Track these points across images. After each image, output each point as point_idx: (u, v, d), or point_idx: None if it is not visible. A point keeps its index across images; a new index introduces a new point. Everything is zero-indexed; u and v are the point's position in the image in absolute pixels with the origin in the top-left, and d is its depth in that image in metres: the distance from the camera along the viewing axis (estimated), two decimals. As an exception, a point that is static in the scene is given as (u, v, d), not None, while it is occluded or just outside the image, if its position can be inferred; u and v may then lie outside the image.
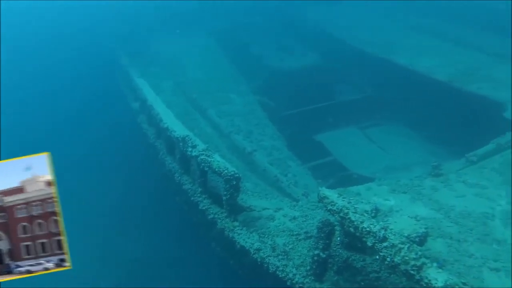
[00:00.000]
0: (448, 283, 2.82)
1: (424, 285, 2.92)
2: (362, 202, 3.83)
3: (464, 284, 2.83)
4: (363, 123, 10.54)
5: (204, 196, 5.28)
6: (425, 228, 3.62)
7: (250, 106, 8.86)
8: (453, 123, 8.85)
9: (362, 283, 3.81)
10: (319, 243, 3.81)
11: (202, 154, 4.97)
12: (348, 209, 3.45)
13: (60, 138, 11.43)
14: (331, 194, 3.67)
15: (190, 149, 5.20)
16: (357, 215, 3.39)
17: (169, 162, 6.35)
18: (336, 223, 3.68)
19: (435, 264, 3.00)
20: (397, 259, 3.06)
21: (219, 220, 4.89)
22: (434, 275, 2.91)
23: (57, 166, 10.35)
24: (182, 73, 10.00)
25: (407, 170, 8.42)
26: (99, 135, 11.42)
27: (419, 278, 2.95)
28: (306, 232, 4.56)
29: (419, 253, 3.05)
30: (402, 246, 3.08)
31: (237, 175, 4.59)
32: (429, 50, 10.19)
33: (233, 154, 7.25)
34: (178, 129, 5.84)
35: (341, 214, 3.49)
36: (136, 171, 9.95)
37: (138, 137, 8.21)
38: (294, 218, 4.88)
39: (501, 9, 10.43)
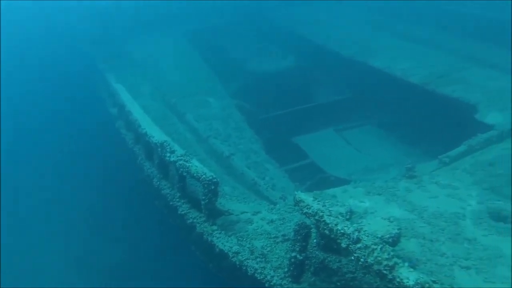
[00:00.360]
0: (419, 281, 2.93)
1: (397, 284, 3.03)
2: (337, 204, 3.93)
3: (434, 282, 2.94)
4: (339, 125, 10.68)
5: (183, 200, 5.32)
6: (398, 229, 3.75)
7: (228, 109, 8.91)
8: (428, 125, 9.03)
9: (338, 283, 3.90)
10: (296, 246, 3.89)
11: (181, 160, 5.02)
12: (323, 212, 3.55)
13: (38, 143, 11.38)
14: (307, 198, 3.77)
15: (168, 154, 5.25)
16: (332, 218, 3.49)
17: (147, 167, 6.38)
18: (312, 225, 3.77)
19: (406, 264, 3.11)
20: (370, 260, 3.16)
21: (198, 224, 4.94)
22: (406, 274, 3.02)
23: (36, 171, 10.37)
24: (159, 76, 10.00)
25: (383, 171, 8.58)
26: (78, 139, 11.38)
27: (391, 277, 3.06)
28: (283, 235, 4.64)
29: (391, 253, 3.15)
30: (375, 247, 3.18)
31: (215, 179, 4.65)
32: (404, 53, 10.35)
33: (211, 158, 7.31)
34: (156, 134, 5.88)
35: (317, 217, 3.59)
36: (116, 176, 9.93)
37: (117, 142, 8.21)
38: (272, 221, 4.97)
39: (473, 13, 10.68)
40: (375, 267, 3.14)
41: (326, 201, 3.90)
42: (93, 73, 10.31)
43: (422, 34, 11.18)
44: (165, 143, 5.38)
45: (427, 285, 2.91)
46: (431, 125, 8.89)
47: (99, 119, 9.89)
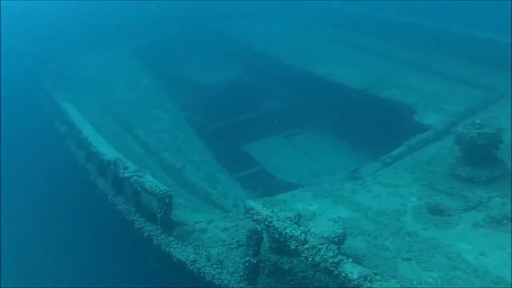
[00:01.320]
0: (361, 274, 3.21)
1: (342, 278, 3.29)
2: (285, 209, 4.15)
3: (375, 274, 3.23)
4: (287, 131, 11.00)
5: (138, 214, 5.44)
6: (343, 229, 4.04)
7: (177, 122, 9.05)
8: (371, 128, 9.43)
9: (291, 283, 4.13)
10: (250, 250, 4.09)
11: (134, 176, 5.15)
12: (272, 218, 3.79)
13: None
14: (256, 205, 4.00)
15: (122, 171, 5.35)
16: (280, 222, 3.73)
17: (101, 184, 6.44)
18: (263, 231, 4.00)
19: (350, 260, 3.38)
20: (317, 258, 3.41)
21: (154, 237, 5.08)
22: (350, 269, 3.29)
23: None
24: (107, 92, 9.98)
25: (330, 175, 8.92)
26: (26, 159, 11.19)
27: (337, 273, 3.31)
28: (237, 241, 4.83)
29: (336, 251, 3.41)
30: (321, 246, 3.43)
31: (169, 193, 4.79)
32: (345, 59, 10.77)
33: (163, 171, 7.43)
34: (108, 152, 5.96)
35: (266, 223, 3.82)
36: (69, 194, 9.86)
37: (68, 160, 8.17)
38: (226, 228, 5.15)
39: (403, 21, 11.20)
40: (322, 264, 3.38)
41: (275, 207, 4.15)
42: (38, 91, 10.17)
43: (358, 42, 11.62)
44: (118, 160, 5.48)
45: (369, 277, 3.19)
46: (375, 127, 9.28)
47: (47, 138, 9.79)
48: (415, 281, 3.05)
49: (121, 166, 5.39)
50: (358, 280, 3.19)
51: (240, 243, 4.77)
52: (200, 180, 7.05)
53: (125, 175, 5.26)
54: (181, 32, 14.02)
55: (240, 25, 14.04)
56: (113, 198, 5.92)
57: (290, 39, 12.69)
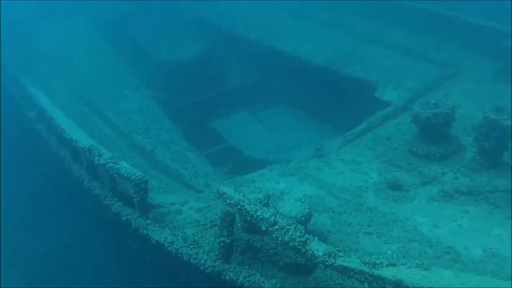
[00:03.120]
0: (326, 251, 3.55)
1: (309, 255, 3.64)
2: (255, 191, 4.44)
3: (338, 251, 3.58)
4: (253, 107, 11.27)
5: (115, 199, 5.62)
6: (309, 208, 4.37)
7: (145, 101, 9.20)
8: (335, 103, 9.75)
9: (263, 259, 4.46)
10: (224, 231, 4.38)
11: (109, 162, 5.33)
12: (244, 201, 4.09)
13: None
14: (228, 190, 4.28)
15: (97, 158, 5.51)
16: (252, 206, 4.03)
17: (76, 170, 6.51)
18: (235, 213, 4.30)
19: (316, 238, 3.73)
20: (286, 238, 3.73)
21: (132, 220, 5.30)
22: (316, 247, 3.63)
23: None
24: (72, 72, 9.92)
25: (297, 149, 9.30)
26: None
27: (304, 251, 3.66)
28: (211, 221, 5.09)
29: (303, 231, 3.75)
30: (289, 227, 3.76)
31: (144, 178, 5.03)
32: (308, 36, 10.97)
33: (134, 152, 7.62)
34: (82, 138, 6.06)
35: (238, 206, 4.12)
36: (43, 180, 9.84)
37: (40, 146, 8.17)
38: (200, 209, 5.41)
39: None
40: (291, 243, 3.71)
41: (246, 189, 4.46)
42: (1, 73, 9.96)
43: (322, 16, 11.72)
44: (92, 147, 5.62)
45: (333, 254, 3.54)
46: (339, 103, 9.59)
47: (15, 123, 9.66)
48: (374, 256, 3.38)
49: (95, 153, 5.54)
50: (323, 257, 3.54)
51: (214, 223, 5.04)
52: (171, 160, 7.28)
53: (101, 162, 5.43)
54: (144, 8, 13.86)
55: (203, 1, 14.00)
56: (89, 183, 6.08)
57: (253, 15, 12.68)
